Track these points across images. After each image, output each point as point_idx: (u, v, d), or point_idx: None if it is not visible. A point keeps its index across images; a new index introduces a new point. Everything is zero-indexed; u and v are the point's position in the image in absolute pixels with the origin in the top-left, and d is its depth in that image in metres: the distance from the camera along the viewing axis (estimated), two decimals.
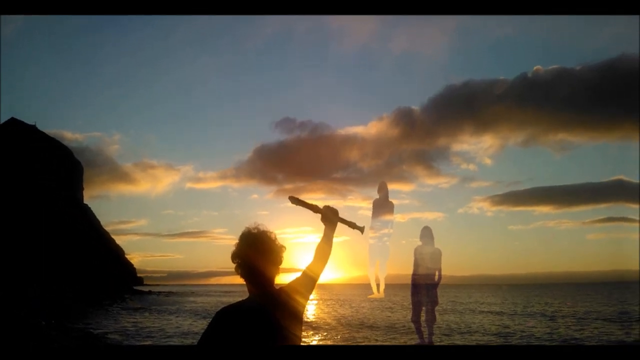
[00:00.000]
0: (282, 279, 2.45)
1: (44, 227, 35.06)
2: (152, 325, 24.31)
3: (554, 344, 17.11)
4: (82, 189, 56.15)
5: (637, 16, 31.69)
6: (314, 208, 2.61)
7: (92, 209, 63.52)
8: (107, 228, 69.47)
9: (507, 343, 17.78)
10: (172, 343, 17.55)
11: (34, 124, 44.13)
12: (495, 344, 13.39)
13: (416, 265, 7.67)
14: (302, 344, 2.42)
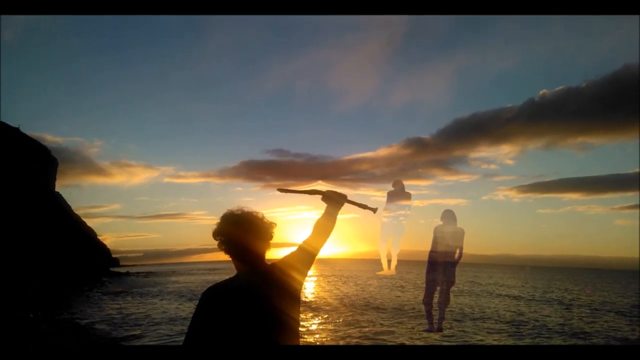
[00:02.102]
0: (275, 254, 2.40)
1: (28, 222, 37.42)
2: (137, 312, 25.20)
3: (563, 336, 18.34)
4: (55, 179, 61.81)
5: (637, 20, 31.62)
6: (309, 191, 2.54)
7: (64, 195, 67.69)
8: (78, 212, 73.73)
9: (518, 332, 18.93)
10: (161, 331, 18.45)
11: (17, 126, 51.00)
12: (495, 344, 14.62)
13: (435, 243, 7.55)
14: (300, 328, 2.35)
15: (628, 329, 21.45)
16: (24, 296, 25.18)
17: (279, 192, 2.63)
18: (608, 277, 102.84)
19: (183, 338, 2.15)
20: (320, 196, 2.51)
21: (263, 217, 2.29)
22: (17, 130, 49.97)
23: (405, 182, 7.56)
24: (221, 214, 2.28)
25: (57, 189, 64.82)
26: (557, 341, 17.20)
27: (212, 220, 2.31)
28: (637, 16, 5.83)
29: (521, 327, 20.39)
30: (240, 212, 2.26)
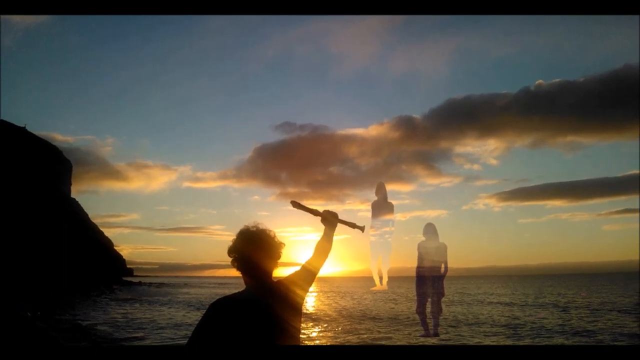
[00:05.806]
0: (281, 272, 2.59)
1: (32, 224, 36.64)
2: (143, 317, 24.82)
3: (564, 335, 17.72)
4: (70, 184, 57.39)
5: (637, 20, 31.66)
6: (314, 212, 2.83)
7: (80, 202, 65.17)
8: (95, 221, 71.54)
9: (516, 333, 18.38)
10: (164, 334, 18.11)
11: (24, 126, 46.90)
12: (495, 344, 14.10)
13: (421, 259, 7.84)
14: (301, 336, 2.52)
15: (635, 325, 20.89)
16: (23, 296, 24.62)
17: (291, 207, 2.90)
18: (603, 280, 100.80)
19: (186, 341, 2.28)
20: (319, 217, 2.80)
21: (274, 236, 2.47)
22: (23, 129, 45.78)
23: (387, 187, 7.98)
24: (238, 230, 2.46)
25: (73, 195, 61.16)
26: (558, 340, 16.60)
27: (229, 237, 2.50)
28: (637, 16, 5.64)
29: (518, 329, 19.80)
30: (255, 229, 2.44)
